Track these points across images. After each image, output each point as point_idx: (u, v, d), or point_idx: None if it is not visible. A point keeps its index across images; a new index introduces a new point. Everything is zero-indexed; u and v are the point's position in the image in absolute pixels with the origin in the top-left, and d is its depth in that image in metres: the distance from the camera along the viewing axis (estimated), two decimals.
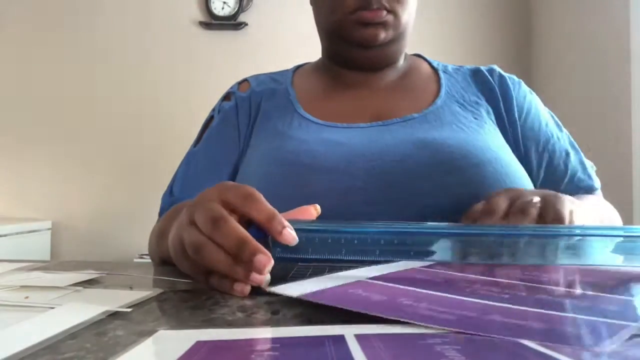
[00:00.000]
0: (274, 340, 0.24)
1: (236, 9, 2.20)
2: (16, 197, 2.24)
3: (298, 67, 0.82)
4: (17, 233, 1.96)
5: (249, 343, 0.24)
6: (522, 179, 0.61)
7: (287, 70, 0.80)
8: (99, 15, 2.25)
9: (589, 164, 0.73)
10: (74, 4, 2.25)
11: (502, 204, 0.47)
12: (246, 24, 2.23)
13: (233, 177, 0.70)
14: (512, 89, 0.72)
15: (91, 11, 2.25)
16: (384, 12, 0.66)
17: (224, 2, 2.20)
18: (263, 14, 2.24)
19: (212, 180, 0.69)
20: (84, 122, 2.23)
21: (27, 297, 0.34)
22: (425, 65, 0.78)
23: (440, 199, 0.57)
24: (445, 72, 0.76)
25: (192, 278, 0.40)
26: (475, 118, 0.68)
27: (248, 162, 0.68)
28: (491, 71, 0.75)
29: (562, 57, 1.97)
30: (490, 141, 0.64)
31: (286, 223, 0.37)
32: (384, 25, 0.67)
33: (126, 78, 2.23)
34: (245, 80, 0.79)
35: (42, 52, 2.24)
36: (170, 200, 0.72)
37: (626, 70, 1.57)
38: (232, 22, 2.21)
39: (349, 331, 0.25)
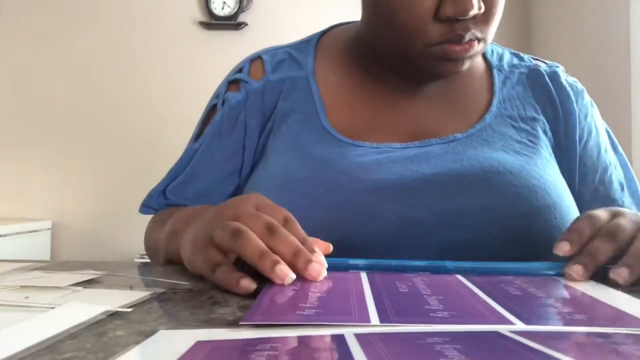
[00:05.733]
0: (274, 340, 0.24)
1: (236, 9, 2.20)
2: (16, 197, 2.24)
3: (322, 35, 0.66)
4: (17, 233, 1.96)
5: (249, 343, 0.24)
6: None
7: (309, 44, 0.65)
8: (99, 15, 2.24)
9: None
10: (74, 4, 2.25)
11: (585, 229, 0.41)
12: (246, 24, 2.23)
13: (238, 186, 0.62)
14: (574, 101, 0.60)
15: (91, 11, 2.24)
16: (476, 43, 0.52)
17: (224, 2, 2.20)
18: (263, 14, 2.24)
19: (213, 187, 0.62)
20: (84, 122, 2.23)
21: (27, 297, 0.34)
22: (479, 58, 0.64)
23: (479, 255, 0.48)
24: (500, 70, 0.63)
25: (192, 277, 0.41)
26: (531, 140, 0.57)
27: (258, 176, 0.58)
28: (553, 75, 0.62)
29: (561, 57, 1.96)
30: (547, 177, 0.53)
31: (314, 257, 0.37)
32: (471, 57, 0.54)
33: (126, 78, 2.23)
34: (258, 57, 0.64)
35: (41, 52, 2.24)
36: (166, 202, 0.64)
37: (626, 70, 1.57)
38: (232, 22, 2.21)
39: (349, 331, 0.25)
